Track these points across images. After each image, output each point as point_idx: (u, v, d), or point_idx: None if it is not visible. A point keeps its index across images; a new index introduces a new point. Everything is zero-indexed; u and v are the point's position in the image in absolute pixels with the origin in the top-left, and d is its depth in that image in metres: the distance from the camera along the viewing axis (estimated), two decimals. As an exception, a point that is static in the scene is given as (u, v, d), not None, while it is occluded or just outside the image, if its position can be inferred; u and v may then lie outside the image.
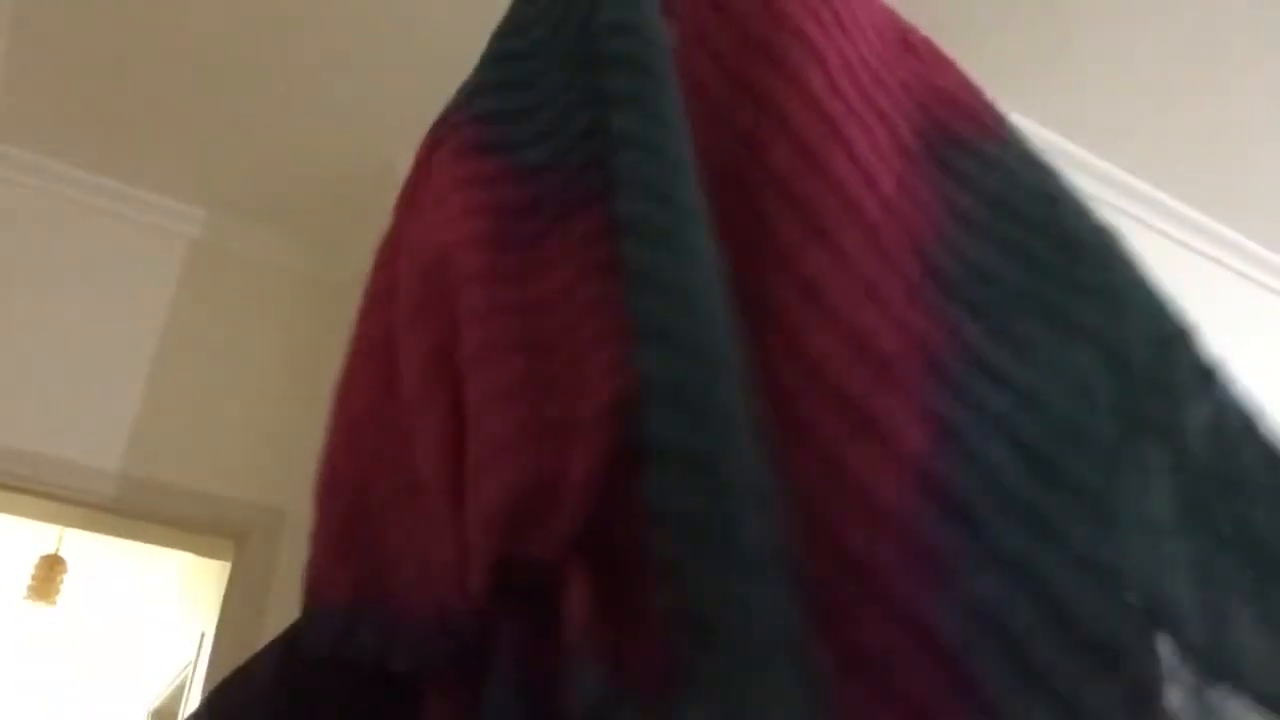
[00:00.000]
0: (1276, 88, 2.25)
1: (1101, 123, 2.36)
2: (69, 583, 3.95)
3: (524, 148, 0.54)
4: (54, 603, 3.94)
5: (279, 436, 2.59)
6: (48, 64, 2.34)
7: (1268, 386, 2.45)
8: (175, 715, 3.62)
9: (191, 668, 2.91)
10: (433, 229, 0.53)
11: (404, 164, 2.69)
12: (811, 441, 0.42)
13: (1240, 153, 2.42)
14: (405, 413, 0.48)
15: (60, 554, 3.91)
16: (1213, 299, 2.58)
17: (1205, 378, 0.51)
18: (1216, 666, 0.40)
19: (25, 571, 3.90)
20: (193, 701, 2.80)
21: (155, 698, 4.18)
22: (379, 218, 2.73)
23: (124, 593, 4.46)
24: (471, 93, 0.61)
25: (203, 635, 2.76)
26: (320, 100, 2.40)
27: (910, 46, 0.62)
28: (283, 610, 2.41)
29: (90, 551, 3.85)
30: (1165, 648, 0.40)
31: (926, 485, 0.41)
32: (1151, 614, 0.41)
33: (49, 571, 3.88)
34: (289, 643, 0.49)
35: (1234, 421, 0.49)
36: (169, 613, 4.17)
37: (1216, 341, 2.19)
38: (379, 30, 2.21)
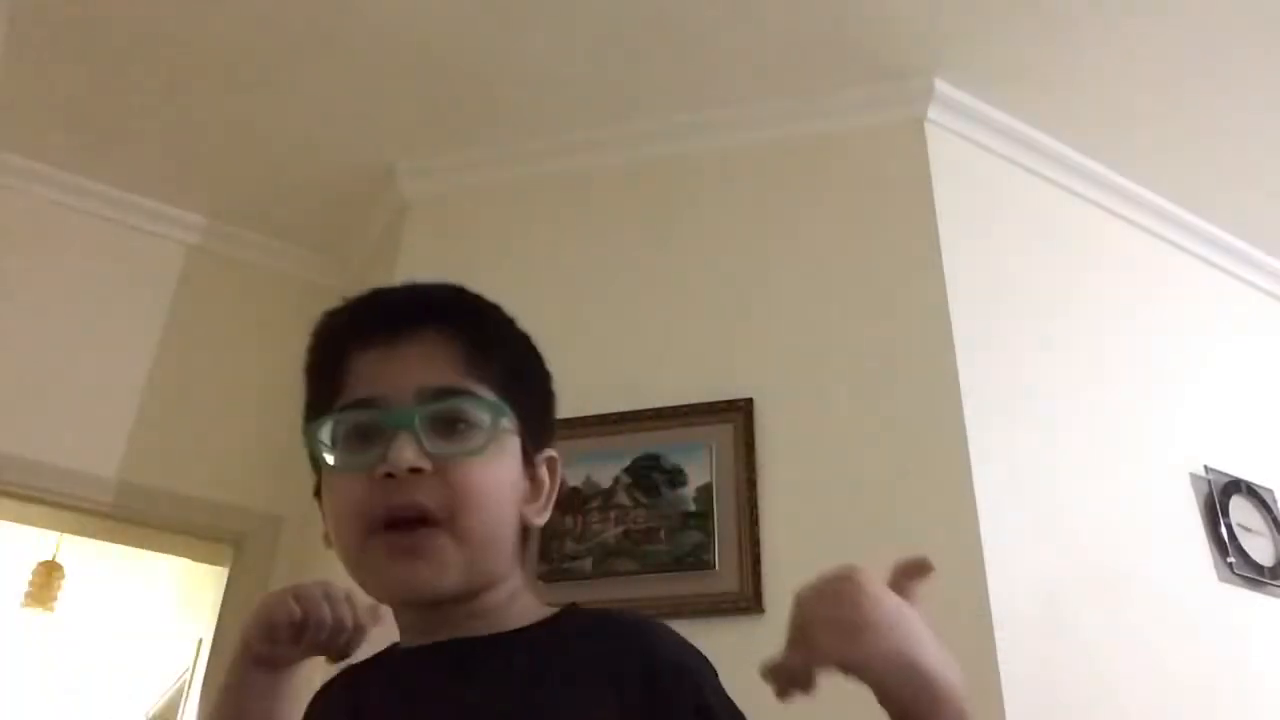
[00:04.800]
0: (1268, 88, 2.26)
1: (1091, 121, 2.36)
2: (67, 589, 3.94)
3: None
4: (52, 609, 3.93)
5: (277, 442, 2.58)
6: (45, 70, 2.35)
7: (1263, 387, 2.47)
8: (173, 721, 3.61)
9: (189, 673, 2.91)
10: None
11: (402, 169, 2.74)
12: None
13: (1238, 156, 2.42)
14: None
15: (58, 560, 3.91)
16: (1206, 301, 2.59)
17: None
18: None
19: (23, 578, 3.90)
20: (191, 707, 2.80)
21: (153, 703, 4.17)
22: (377, 223, 2.77)
23: (122, 599, 4.45)
24: None
25: (200, 641, 2.76)
26: (319, 106, 2.41)
27: None
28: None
29: (88, 558, 3.85)
30: None
31: None
32: None
33: (47, 578, 3.88)
34: None
35: None
36: (166, 618, 4.17)
37: (1213, 344, 2.20)
38: (377, 37, 2.21)
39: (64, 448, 2.41)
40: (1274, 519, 2.24)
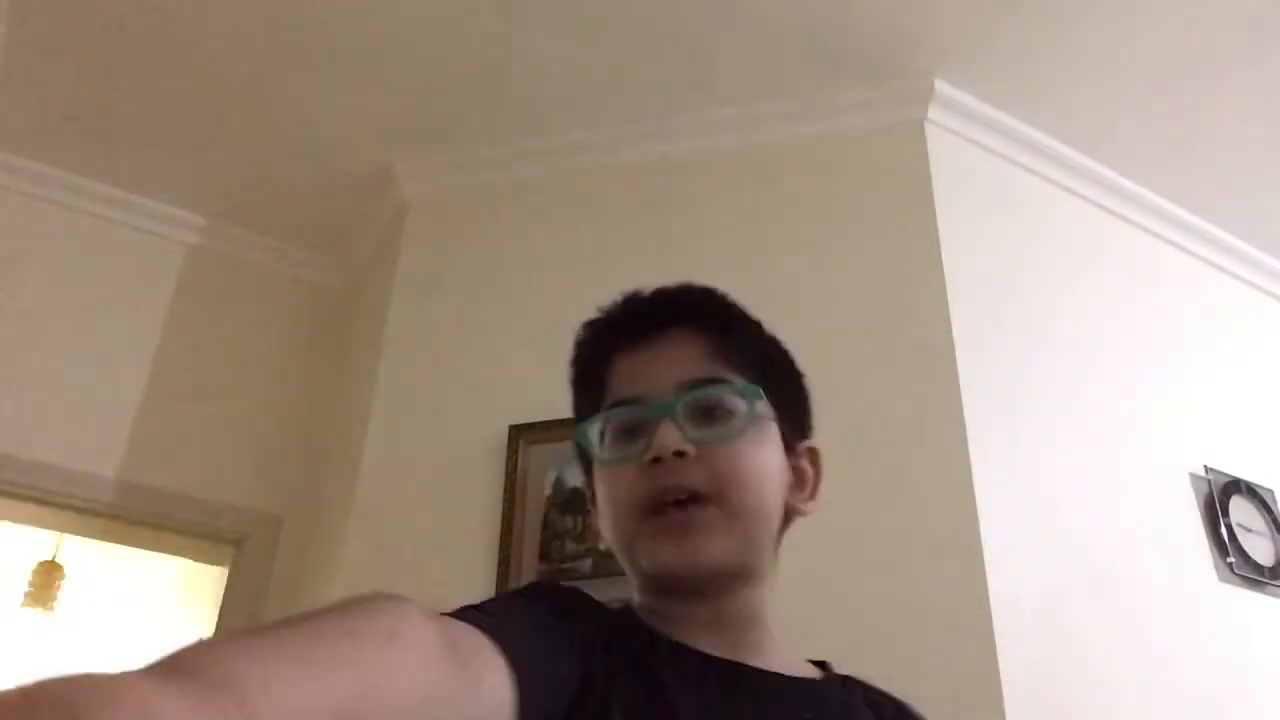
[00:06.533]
0: (1268, 88, 2.26)
1: (1091, 122, 2.36)
2: (67, 589, 3.94)
3: None
4: (52, 609, 3.93)
5: (277, 442, 2.59)
6: (46, 71, 2.35)
7: (1263, 387, 2.46)
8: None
9: (189, 674, 2.91)
10: None
11: (401, 169, 2.73)
12: None
13: (1238, 156, 2.42)
14: None
15: (58, 560, 3.90)
16: (1206, 301, 2.59)
17: None
18: None
19: (23, 578, 3.89)
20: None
21: (153, 704, 4.16)
22: (376, 223, 2.76)
23: (122, 599, 4.45)
24: None
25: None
26: (318, 107, 2.41)
27: None
28: (280, 615, 2.41)
29: (88, 558, 3.85)
30: None
31: None
32: None
33: (47, 578, 3.88)
34: None
35: None
36: (166, 618, 4.16)
37: (1213, 344, 2.20)
38: (375, 38, 2.21)
39: (64, 448, 2.41)
40: (1274, 519, 2.24)
